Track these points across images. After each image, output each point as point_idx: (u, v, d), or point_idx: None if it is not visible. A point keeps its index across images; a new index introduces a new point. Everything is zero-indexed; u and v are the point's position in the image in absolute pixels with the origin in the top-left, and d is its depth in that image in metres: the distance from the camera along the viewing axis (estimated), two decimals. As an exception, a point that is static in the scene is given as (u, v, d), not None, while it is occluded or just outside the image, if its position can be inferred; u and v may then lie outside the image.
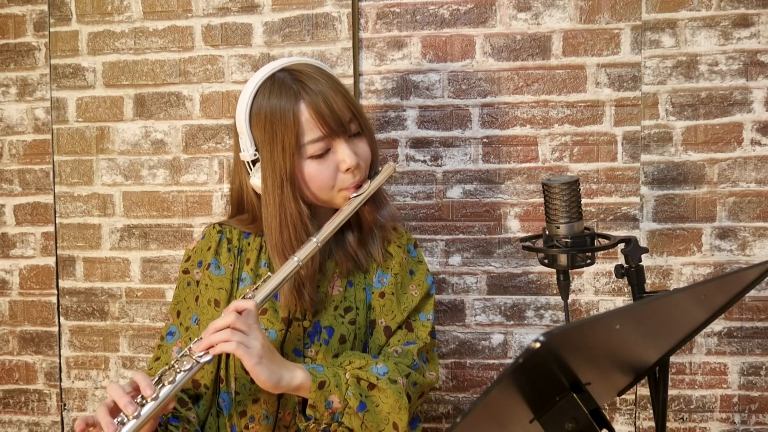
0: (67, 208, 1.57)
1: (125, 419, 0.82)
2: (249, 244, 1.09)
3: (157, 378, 0.87)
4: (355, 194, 1.02)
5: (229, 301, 1.05)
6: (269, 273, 0.97)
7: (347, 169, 1.00)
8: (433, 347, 1.11)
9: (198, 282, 1.08)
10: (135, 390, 0.86)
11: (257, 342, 0.88)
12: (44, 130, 1.57)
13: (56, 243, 1.57)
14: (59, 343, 1.58)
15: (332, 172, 1.01)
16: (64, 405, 1.59)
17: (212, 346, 0.87)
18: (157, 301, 1.54)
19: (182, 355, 0.88)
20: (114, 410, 0.84)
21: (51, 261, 1.58)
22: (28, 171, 1.58)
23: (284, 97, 0.98)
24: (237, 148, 1.07)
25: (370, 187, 1.03)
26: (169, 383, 0.85)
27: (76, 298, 1.57)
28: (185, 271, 1.10)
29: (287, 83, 0.99)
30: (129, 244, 1.55)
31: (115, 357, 1.56)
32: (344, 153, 1.00)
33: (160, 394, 0.84)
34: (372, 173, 1.07)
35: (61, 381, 1.59)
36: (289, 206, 1.00)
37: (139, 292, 1.55)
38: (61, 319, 1.58)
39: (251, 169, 1.04)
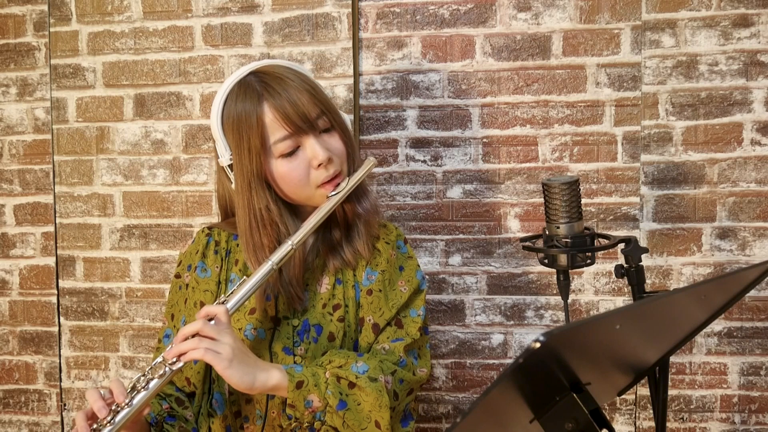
0: (67, 208, 1.57)
1: (100, 427, 0.85)
2: (238, 245, 1.10)
3: (131, 386, 0.89)
4: (333, 192, 1.02)
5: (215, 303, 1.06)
6: (245, 277, 0.97)
7: (319, 165, 1.00)
8: (424, 343, 1.10)
9: (187, 285, 1.10)
10: (112, 396, 0.88)
11: (227, 346, 0.89)
12: (44, 130, 1.57)
13: (56, 243, 1.57)
14: (59, 343, 1.58)
15: (304, 169, 1.01)
16: (64, 405, 1.59)
17: (183, 353, 0.89)
18: (157, 301, 1.54)
19: (156, 362, 0.90)
20: (93, 416, 0.87)
21: (51, 261, 1.58)
22: (28, 171, 1.58)
23: (248, 101, 0.99)
24: (216, 154, 1.07)
25: (348, 185, 1.03)
26: (143, 389, 0.87)
27: (76, 298, 1.57)
28: (177, 275, 1.12)
29: (252, 86, 1.00)
30: (129, 244, 1.55)
31: (115, 357, 1.57)
32: (313, 149, 1.00)
33: (134, 401, 0.86)
34: (351, 170, 1.06)
35: (61, 381, 1.59)
36: (257, 207, 1.01)
37: (139, 292, 1.55)
38: (61, 319, 1.58)
39: (230, 174, 1.05)
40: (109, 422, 0.85)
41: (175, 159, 1.53)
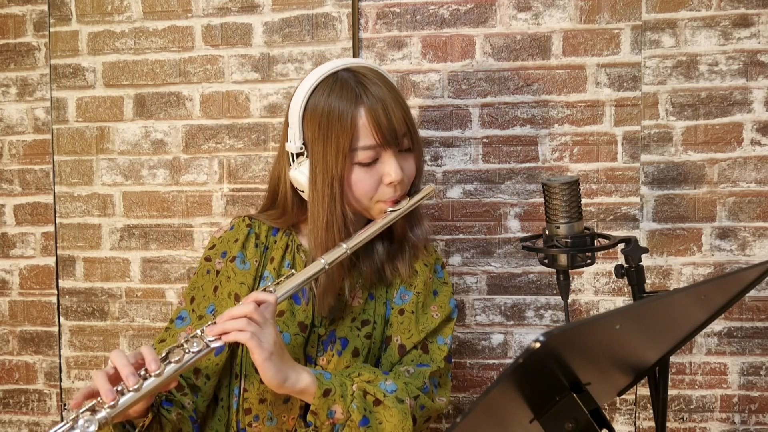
0: (67, 208, 1.57)
1: (125, 390, 0.80)
2: (275, 242, 1.08)
3: (164, 354, 0.84)
4: (391, 209, 1.01)
5: None
6: (292, 270, 0.96)
7: (390, 183, 1.00)
8: (447, 372, 1.09)
9: (218, 272, 1.07)
10: (138, 362, 0.84)
11: (270, 337, 0.87)
12: (44, 130, 1.57)
13: (56, 243, 1.57)
14: (59, 343, 1.58)
15: (375, 182, 1.00)
16: (64, 405, 1.59)
17: (225, 333, 0.86)
18: (157, 301, 1.54)
19: (193, 336, 0.86)
20: (113, 378, 0.82)
21: (51, 261, 1.58)
22: (28, 171, 1.58)
23: (345, 98, 0.97)
24: (284, 139, 1.05)
25: (407, 205, 1.03)
26: (175, 362, 0.83)
27: (76, 298, 1.57)
28: (207, 258, 1.09)
29: (349, 84, 0.98)
30: (129, 244, 1.55)
31: (115, 357, 1.56)
32: (391, 166, 0.99)
33: (165, 372, 0.82)
34: (412, 190, 1.06)
35: (61, 381, 1.59)
36: (337, 207, 0.99)
37: (139, 292, 1.55)
38: (61, 319, 1.58)
39: (292, 161, 1.03)
40: (135, 389, 0.80)
41: (175, 159, 1.53)
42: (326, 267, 0.94)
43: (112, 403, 0.79)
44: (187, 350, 0.84)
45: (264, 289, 0.92)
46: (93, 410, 0.79)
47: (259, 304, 0.88)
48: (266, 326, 0.87)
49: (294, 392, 0.91)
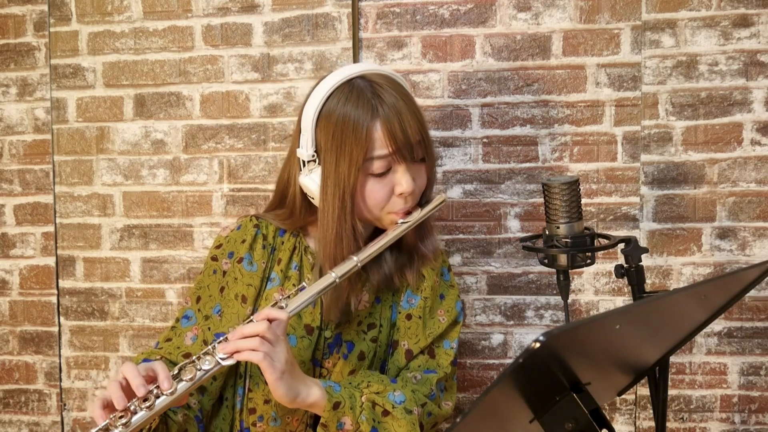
0: (67, 208, 1.57)
1: (137, 409, 0.82)
2: (283, 243, 1.08)
3: (176, 371, 0.86)
4: (402, 220, 1.01)
5: (256, 299, 1.04)
6: (303, 284, 0.96)
7: (401, 194, 0.99)
8: (453, 375, 1.09)
9: (225, 272, 1.06)
10: (149, 375, 0.85)
11: (282, 355, 0.87)
12: (44, 130, 1.57)
13: (56, 243, 1.57)
14: (59, 343, 1.58)
15: (387, 193, 0.99)
16: (64, 405, 1.59)
17: (238, 351, 0.86)
18: (157, 301, 1.54)
19: (204, 353, 0.87)
20: (125, 389, 0.83)
21: (51, 261, 1.58)
22: (28, 171, 1.58)
23: (361, 109, 0.95)
24: (295, 143, 1.04)
25: (419, 216, 1.02)
26: (188, 380, 0.85)
27: (76, 298, 1.57)
28: (213, 258, 1.08)
29: (366, 94, 0.96)
30: (129, 244, 1.55)
31: (115, 357, 1.57)
32: (403, 178, 0.98)
33: (177, 390, 0.84)
34: (423, 200, 1.05)
35: (61, 381, 1.59)
36: (347, 220, 0.99)
37: (139, 292, 1.55)
38: (61, 319, 1.58)
39: (303, 167, 1.02)
40: (148, 407, 0.82)
41: (175, 159, 1.53)
42: (337, 281, 0.94)
43: (124, 421, 0.81)
44: (199, 368, 0.86)
45: (275, 305, 0.92)
46: (107, 429, 0.81)
47: (270, 320, 0.88)
48: (278, 344, 0.87)
49: (304, 406, 0.92)
